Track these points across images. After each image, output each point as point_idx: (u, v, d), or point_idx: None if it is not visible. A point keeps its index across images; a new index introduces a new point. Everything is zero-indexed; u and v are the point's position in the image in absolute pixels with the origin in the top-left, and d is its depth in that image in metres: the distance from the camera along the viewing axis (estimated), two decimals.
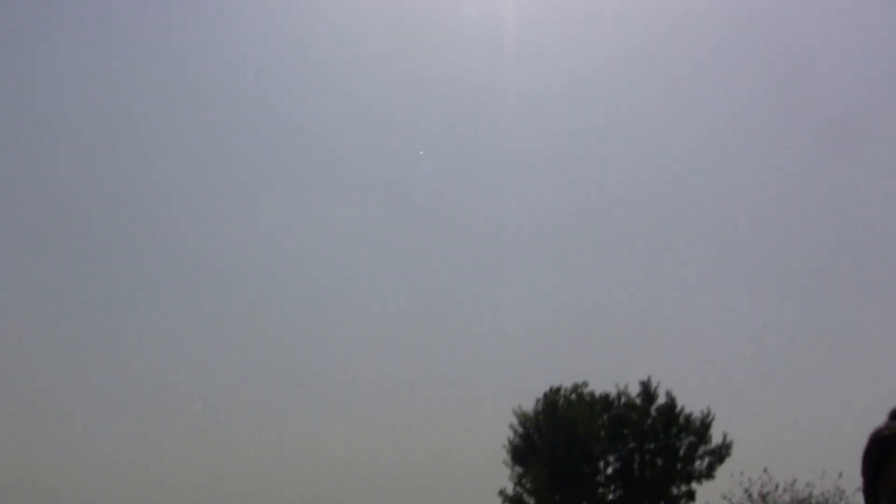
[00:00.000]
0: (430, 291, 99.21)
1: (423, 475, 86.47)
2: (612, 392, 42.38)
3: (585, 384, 42.34)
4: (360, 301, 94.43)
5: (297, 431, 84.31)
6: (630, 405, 41.96)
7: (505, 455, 41.89)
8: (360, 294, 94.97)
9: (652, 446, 41.35)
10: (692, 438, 41.54)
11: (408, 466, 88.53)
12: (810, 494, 37.09)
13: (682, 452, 41.34)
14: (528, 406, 42.31)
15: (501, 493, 40.16)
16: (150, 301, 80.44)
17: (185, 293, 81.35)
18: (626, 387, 42.24)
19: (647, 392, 42.11)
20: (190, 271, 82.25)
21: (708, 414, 41.57)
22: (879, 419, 1.71)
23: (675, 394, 41.84)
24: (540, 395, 42.19)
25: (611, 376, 78.80)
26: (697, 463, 41.42)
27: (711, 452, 41.40)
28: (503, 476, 42.27)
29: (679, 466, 41.12)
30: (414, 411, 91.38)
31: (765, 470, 40.98)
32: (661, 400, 41.95)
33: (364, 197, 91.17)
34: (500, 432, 42.96)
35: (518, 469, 41.08)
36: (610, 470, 41.75)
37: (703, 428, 41.55)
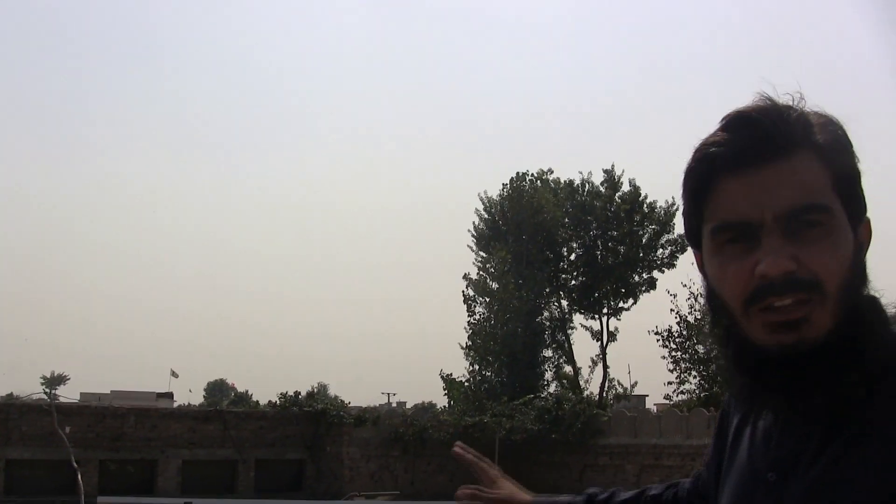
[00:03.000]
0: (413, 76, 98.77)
1: (395, 267, 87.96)
2: (577, 180, 41.96)
3: (550, 171, 41.82)
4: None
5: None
6: (594, 193, 41.56)
7: (470, 240, 41.62)
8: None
9: (615, 234, 41.30)
10: (655, 227, 41.49)
11: (380, 259, 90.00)
12: None
13: (644, 240, 41.35)
14: (494, 192, 41.77)
15: (465, 277, 39.97)
16: None
17: None
18: (590, 174, 41.84)
19: (612, 180, 41.70)
20: None
21: (672, 204, 41.37)
22: None
23: (639, 183, 41.52)
24: (506, 180, 41.62)
25: (575, 165, 78.41)
26: (660, 251, 41.57)
27: (674, 242, 41.46)
28: (468, 261, 42.12)
29: (641, 254, 41.23)
30: (382, 201, 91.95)
31: None
32: (626, 188, 41.59)
33: None
34: (467, 218, 42.55)
35: (482, 254, 40.86)
36: (573, 256, 41.79)
37: (666, 217, 41.44)
